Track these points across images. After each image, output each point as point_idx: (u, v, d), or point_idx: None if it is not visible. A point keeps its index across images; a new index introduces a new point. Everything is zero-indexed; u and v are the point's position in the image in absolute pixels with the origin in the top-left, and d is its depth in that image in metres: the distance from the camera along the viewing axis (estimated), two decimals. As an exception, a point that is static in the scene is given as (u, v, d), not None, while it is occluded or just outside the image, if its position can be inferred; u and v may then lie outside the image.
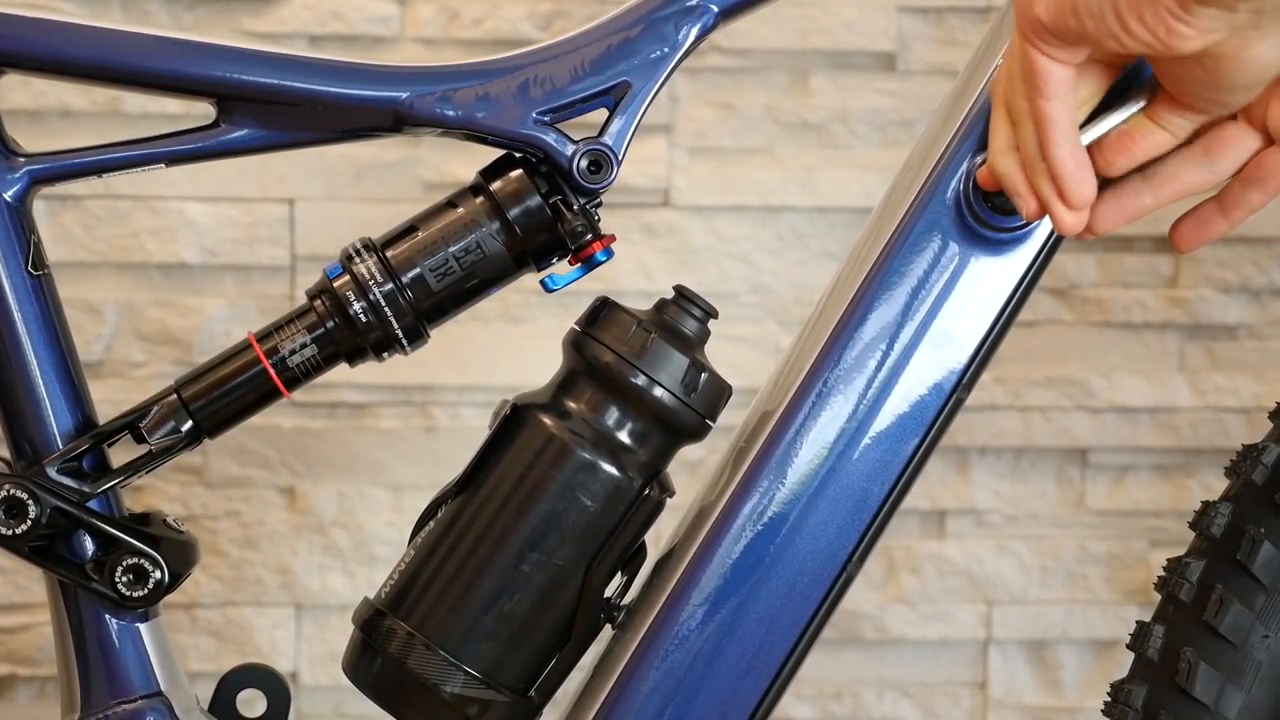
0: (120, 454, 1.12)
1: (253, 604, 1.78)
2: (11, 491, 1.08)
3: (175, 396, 1.11)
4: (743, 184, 1.75)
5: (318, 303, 1.11)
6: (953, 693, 1.82)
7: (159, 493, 1.75)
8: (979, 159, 1.04)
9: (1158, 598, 1.12)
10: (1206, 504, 1.11)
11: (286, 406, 1.74)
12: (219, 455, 1.75)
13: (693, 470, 1.69)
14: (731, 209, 1.76)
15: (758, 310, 1.76)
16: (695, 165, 1.76)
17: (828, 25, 1.74)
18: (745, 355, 1.75)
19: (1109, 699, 1.12)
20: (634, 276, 1.74)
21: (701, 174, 1.75)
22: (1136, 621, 1.12)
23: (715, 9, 1.10)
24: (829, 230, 1.75)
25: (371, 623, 1.10)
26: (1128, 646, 1.12)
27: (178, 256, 1.73)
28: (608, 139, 1.09)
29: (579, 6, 1.72)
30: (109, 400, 1.45)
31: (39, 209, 1.13)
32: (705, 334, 1.11)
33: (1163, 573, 1.11)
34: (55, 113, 1.71)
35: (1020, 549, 1.80)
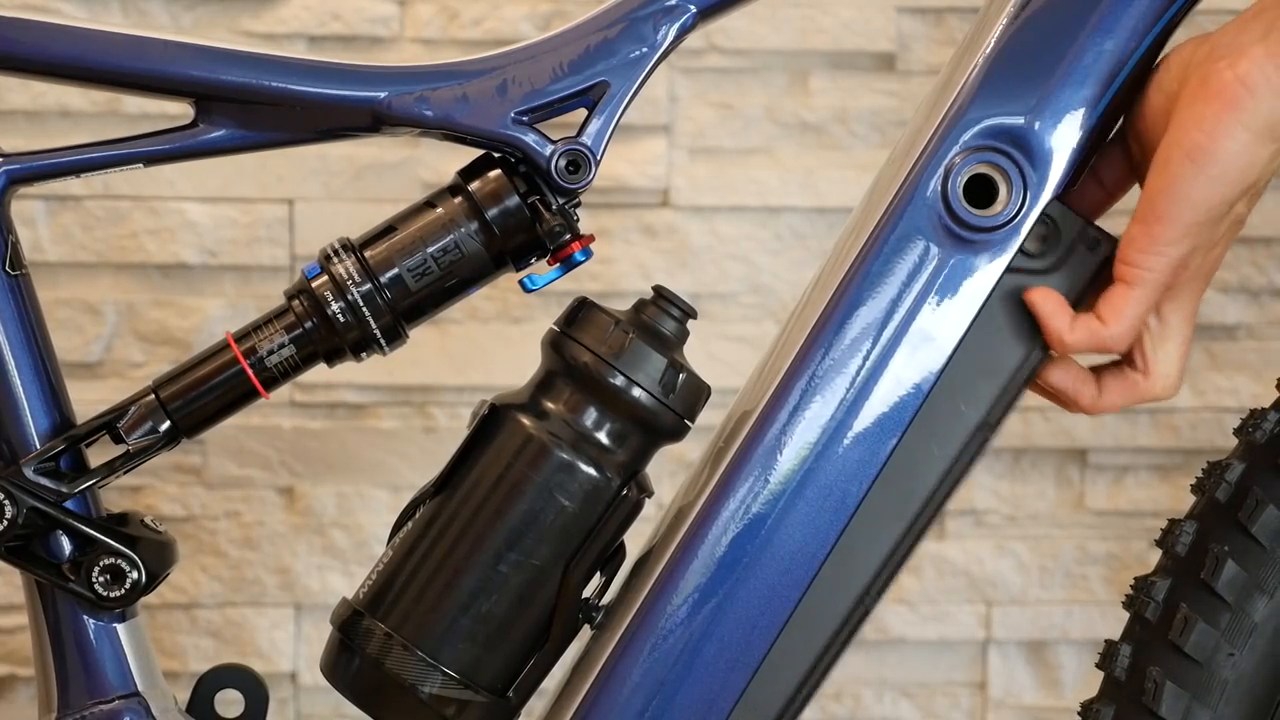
0: (100, 454, 1.12)
1: (252, 604, 1.78)
2: (-12, 491, 1.08)
3: (153, 397, 1.10)
4: (742, 184, 1.75)
5: (296, 303, 1.10)
6: (952, 693, 1.82)
7: (159, 493, 1.75)
8: (957, 156, 1.03)
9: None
10: (1172, 522, 1.10)
11: (286, 407, 1.74)
12: (218, 455, 1.75)
13: (680, 471, 1.68)
14: (731, 209, 1.75)
15: (757, 310, 1.76)
16: (695, 165, 1.75)
17: (827, 25, 1.73)
18: (744, 355, 1.74)
19: (1079, 717, 1.11)
20: (633, 277, 1.74)
21: (701, 174, 1.75)
22: (1105, 640, 1.11)
23: (694, 9, 1.10)
24: (828, 230, 1.75)
25: (349, 623, 1.10)
26: (1096, 665, 1.11)
27: (177, 257, 1.73)
28: (586, 139, 1.09)
29: (579, 7, 1.72)
30: (108, 401, 1.44)
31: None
32: (684, 334, 1.11)
33: (1130, 591, 1.11)
34: (54, 113, 1.71)
35: (1020, 549, 1.79)
